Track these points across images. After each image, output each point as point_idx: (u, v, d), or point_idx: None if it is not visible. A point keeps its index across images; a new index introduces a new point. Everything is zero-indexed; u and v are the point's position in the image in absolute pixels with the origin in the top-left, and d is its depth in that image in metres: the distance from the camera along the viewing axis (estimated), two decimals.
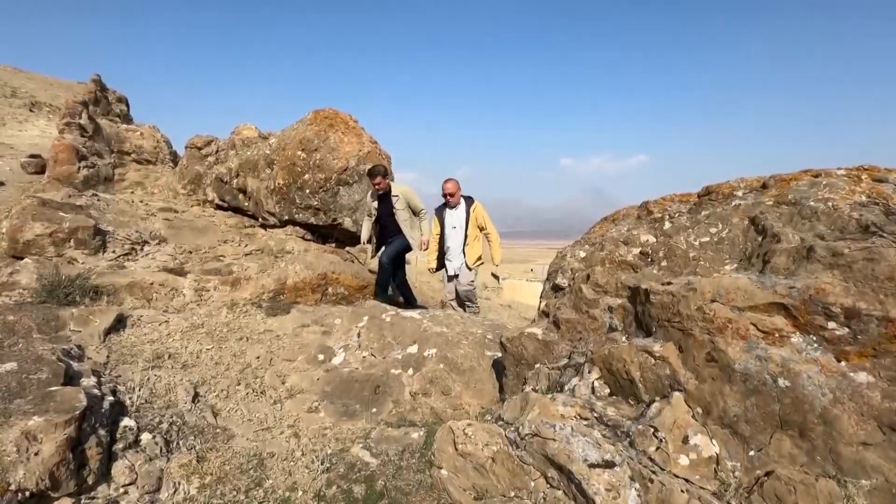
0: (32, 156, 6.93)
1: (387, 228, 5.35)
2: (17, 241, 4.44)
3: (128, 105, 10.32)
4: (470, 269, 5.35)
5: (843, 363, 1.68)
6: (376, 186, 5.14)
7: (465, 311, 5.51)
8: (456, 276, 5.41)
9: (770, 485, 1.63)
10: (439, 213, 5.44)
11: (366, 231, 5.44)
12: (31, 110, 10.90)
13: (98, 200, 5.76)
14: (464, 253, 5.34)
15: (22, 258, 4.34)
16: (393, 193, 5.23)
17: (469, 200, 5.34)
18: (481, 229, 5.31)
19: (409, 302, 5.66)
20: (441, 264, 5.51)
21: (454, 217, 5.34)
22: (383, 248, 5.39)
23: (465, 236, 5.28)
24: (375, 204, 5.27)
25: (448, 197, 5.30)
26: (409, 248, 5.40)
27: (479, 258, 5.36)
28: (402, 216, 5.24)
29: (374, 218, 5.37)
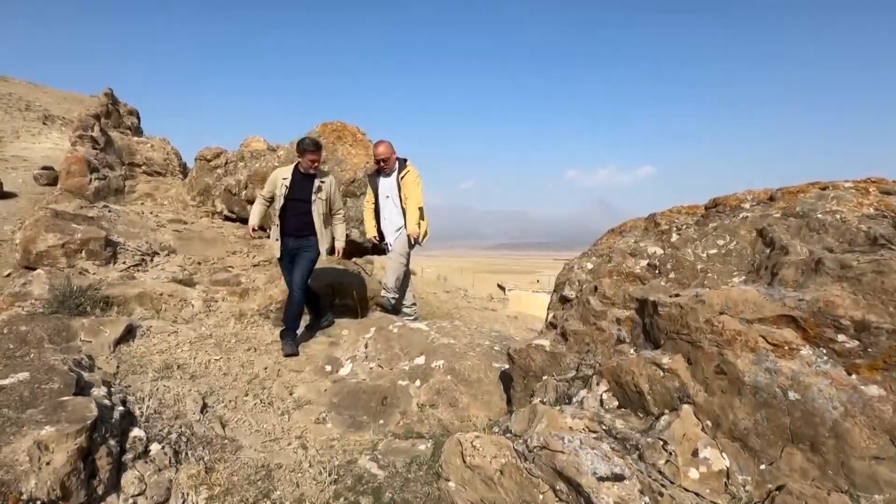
0: (45, 168, 7.05)
1: (294, 220, 4.15)
2: (30, 252, 4.50)
3: (139, 118, 10.49)
4: (415, 243, 4.67)
5: (853, 376, 1.67)
6: (311, 162, 4.06)
7: (398, 312, 4.84)
8: (391, 244, 4.78)
9: (781, 499, 1.61)
10: (372, 180, 4.77)
11: (256, 215, 4.27)
12: (44, 123, 11.10)
13: (109, 212, 5.84)
14: (401, 221, 4.70)
15: (34, 269, 4.40)
16: (320, 178, 4.19)
17: (402, 164, 4.65)
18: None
19: (318, 315, 4.63)
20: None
21: (387, 185, 4.67)
22: (295, 268, 4.18)
23: (403, 210, 4.62)
24: (288, 182, 4.12)
25: (381, 163, 4.59)
26: (315, 260, 4.30)
27: (426, 233, 4.72)
28: (320, 209, 4.17)
29: (276, 201, 4.17)
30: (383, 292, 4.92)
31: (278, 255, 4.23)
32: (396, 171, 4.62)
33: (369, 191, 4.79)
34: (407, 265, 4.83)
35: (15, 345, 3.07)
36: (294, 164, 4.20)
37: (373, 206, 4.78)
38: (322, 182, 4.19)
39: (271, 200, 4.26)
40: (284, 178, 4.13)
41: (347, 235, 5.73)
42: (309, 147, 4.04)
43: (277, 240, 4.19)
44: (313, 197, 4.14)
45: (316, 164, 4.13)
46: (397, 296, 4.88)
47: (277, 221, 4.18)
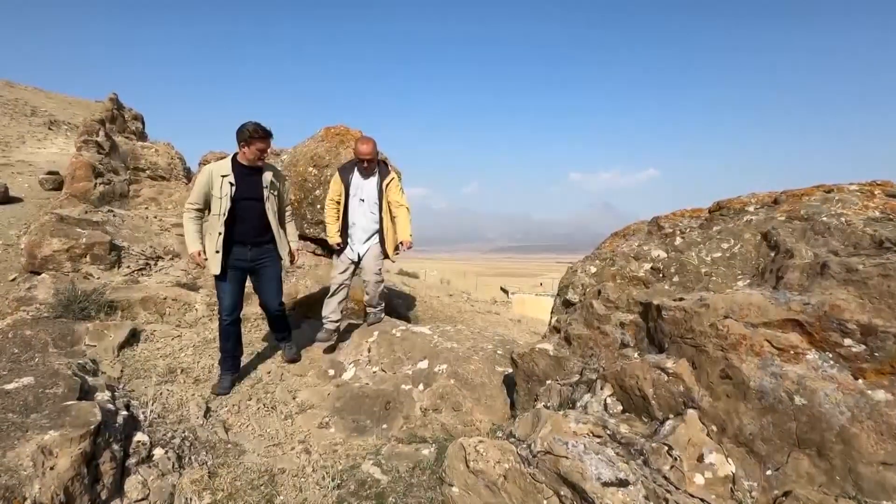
0: (50, 172, 7.09)
1: (246, 224, 3.44)
2: (36, 257, 4.52)
3: (143, 123, 10.55)
4: (387, 257, 4.17)
5: (860, 381, 1.66)
6: (259, 152, 3.37)
7: (366, 317, 4.51)
8: (357, 261, 4.13)
9: None
10: (344, 173, 4.06)
11: (195, 236, 3.38)
12: (49, 128, 11.17)
13: (114, 216, 5.87)
14: (380, 235, 4.12)
15: (40, 273, 4.42)
16: (267, 170, 3.51)
17: (384, 169, 4.12)
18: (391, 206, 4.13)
19: (285, 339, 4.05)
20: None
21: (364, 187, 4.06)
22: (265, 285, 3.67)
23: (380, 217, 4.08)
24: (232, 178, 3.34)
25: (365, 163, 4.00)
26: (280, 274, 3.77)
27: (398, 247, 4.17)
28: (273, 207, 3.54)
29: (215, 205, 3.36)
30: (369, 310, 4.49)
31: (216, 271, 3.37)
32: (378, 175, 4.09)
33: (335, 186, 4.09)
34: (382, 278, 4.35)
35: (20, 349, 3.08)
36: (230, 158, 3.41)
37: (336, 204, 4.11)
38: (272, 175, 3.53)
39: (204, 208, 3.41)
40: (225, 176, 3.34)
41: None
42: (258, 133, 3.31)
43: (218, 252, 3.34)
44: (265, 194, 3.47)
45: (262, 152, 3.40)
46: (383, 313, 4.53)
47: (220, 229, 3.34)
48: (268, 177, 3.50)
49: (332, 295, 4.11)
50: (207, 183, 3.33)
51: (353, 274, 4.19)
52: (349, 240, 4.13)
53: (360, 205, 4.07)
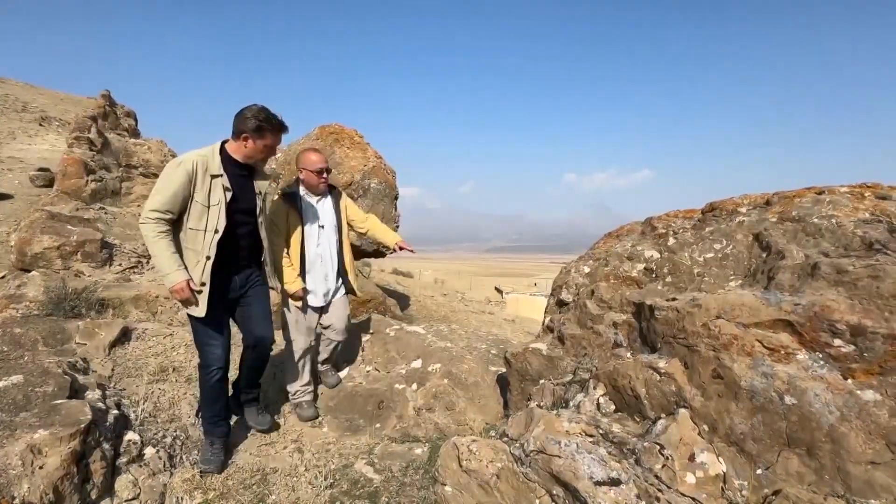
0: (41, 169, 7.03)
1: (235, 244, 2.58)
2: (26, 254, 4.48)
3: (136, 119, 10.48)
4: (351, 294, 3.42)
5: (849, 381, 1.68)
6: (267, 150, 2.61)
7: (324, 378, 3.58)
8: (323, 307, 3.27)
9: None
10: (292, 202, 3.08)
11: (171, 258, 2.37)
12: (41, 125, 11.07)
13: (105, 214, 5.83)
14: (340, 268, 3.31)
15: (30, 271, 4.38)
16: (259, 177, 2.71)
17: (332, 187, 3.33)
18: (350, 227, 3.40)
19: (255, 400, 3.08)
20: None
21: (321, 210, 3.21)
22: (254, 314, 2.77)
23: (339, 241, 3.29)
24: (226, 182, 2.47)
25: (322, 176, 3.13)
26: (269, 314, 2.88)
27: (394, 249, 3.44)
28: (265, 221, 2.81)
29: (195, 216, 2.42)
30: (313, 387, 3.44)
31: (202, 313, 2.46)
32: (330, 194, 3.29)
33: (285, 215, 3.06)
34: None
35: (9, 347, 3.05)
36: (216, 150, 2.50)
37: (283, 241, 3.07)
38: (264, 180, 2.75)
39: (177, 218, 2.42)
40: (217, 176, 2.44)
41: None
42: (272, 124, 2.53)
43: (204, 284, 2.44)
44: (259, 204, 2.69)
45: (270, 149, 2.62)
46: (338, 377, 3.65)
47: (209, 252, 2.44)
48: (262, 182, 2.72)
49: (300, 363, 3.25)
50: (187, 183, 2.37)
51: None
52: (307, 276, 3.16)
53: (322, 232, 3.20)
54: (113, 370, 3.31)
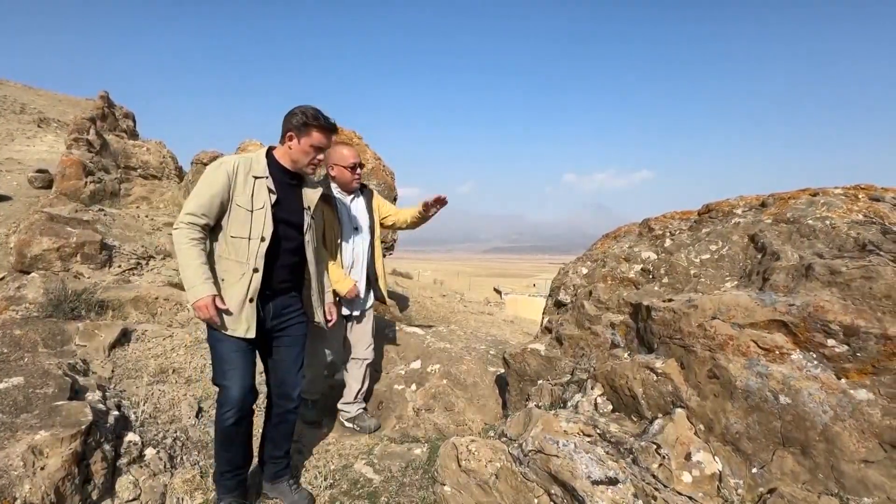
0: (40, 171, 7.03)
1: (276, 263, 2.24)
2: (25, 256, 4.48)
3: (134, 121, 10.48)
4: (380, 301, 3.22)
5: (843, 380, 1.70)
6: (314, 151, 2.24)
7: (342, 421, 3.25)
8: (350, 315, 3.09)
9: (773, 502, 1.63)
10: (325, 200, 2.75)
11: (200, 269, 2.03)
12: (39, 126, 11.06)
13: (104, 215, 5.83)
14: (371, 274, 3.13)
15: (29, 272, 4.38)
16: (310, 185, 2.43)
17: (363, 185, 3.18)
18: (383, 226, 3.23)
19: (286, 467, 2.50)
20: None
21: (355, 211, 3.06)
22: (285, 360, 2.38)
23: (372, 244, 3.12)
24: (272, 185, 2.20)
25: (356, 172, 2.98)
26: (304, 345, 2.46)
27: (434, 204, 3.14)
28: (312, 241, 2.41)
29: (248, 233, 2.13)
30: (347, 408, 3.25)
31: (252, 334, 2.14)
32: (361, 193, 3.13)
33: (321, 215, 2.71)
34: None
35: (9, 349, 3.06)
36: (262, 153, 2.25)
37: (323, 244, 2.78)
38: (316, 194, 2.41)
39: (212, 225, 2.15)
40: (261, 178, 2.18)
41: None
42: (319, 122, 2.19)
43: (252, 301, 2.15)
44: (307, 220, 2.35)
45: (320, 161, 2.30)
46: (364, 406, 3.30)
47: (257, 264, 2.14)
48: (311, 194, 2.37)
49: (353, 376, 3.15)
50: (227, 186, 2.10)
51: None
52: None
53: (356, 235, 3.02)
54: (113, 371, 3.32)
